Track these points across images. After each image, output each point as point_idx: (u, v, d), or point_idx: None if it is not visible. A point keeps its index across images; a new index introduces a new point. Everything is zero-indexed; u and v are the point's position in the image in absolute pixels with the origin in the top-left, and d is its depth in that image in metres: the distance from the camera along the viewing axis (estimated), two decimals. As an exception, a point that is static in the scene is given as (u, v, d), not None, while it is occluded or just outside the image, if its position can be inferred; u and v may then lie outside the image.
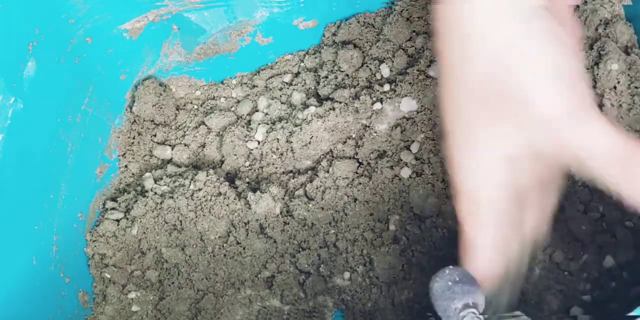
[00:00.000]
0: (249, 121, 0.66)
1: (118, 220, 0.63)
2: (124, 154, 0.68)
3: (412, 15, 0.63)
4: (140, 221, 0.61)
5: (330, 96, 0.63)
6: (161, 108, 0.68)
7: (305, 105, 0.64)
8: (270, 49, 0.69)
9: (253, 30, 0.67)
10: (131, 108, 0.68)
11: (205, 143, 0.66)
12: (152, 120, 0.68)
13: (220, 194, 0.61)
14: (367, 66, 0.63)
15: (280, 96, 0.67)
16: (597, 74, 0.55)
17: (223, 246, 0.60)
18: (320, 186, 0.59)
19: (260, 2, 0.65)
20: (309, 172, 0.61)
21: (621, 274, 0.52)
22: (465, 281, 0.42)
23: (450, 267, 0.43)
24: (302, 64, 0.68)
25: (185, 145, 0.67)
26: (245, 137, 0.64)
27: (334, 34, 0.67)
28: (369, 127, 0.60)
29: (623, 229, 0.53)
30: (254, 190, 0.61)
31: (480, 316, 0.41)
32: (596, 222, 0.53)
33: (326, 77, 0.65)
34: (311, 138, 0.61)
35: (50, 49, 0.57)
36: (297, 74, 0.68)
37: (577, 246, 0.54)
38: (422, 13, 0.63)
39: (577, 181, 0.54)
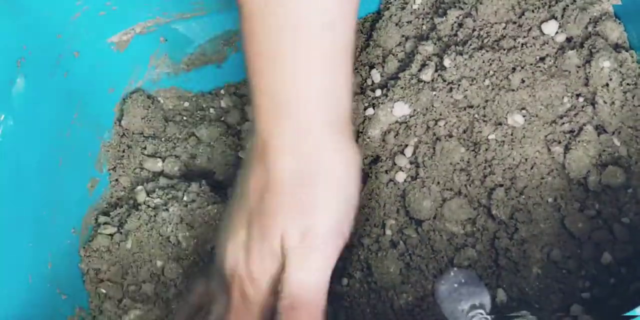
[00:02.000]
0: (239, 131, 0.65)
1: (111, 235, 0.62)
2: (114, 167, 0.67)
3: (401, 20, 0.64)
4: (135, 235, 0.61)
5: (321, 103, 0.63)
6: (150, 120, 0.67)
7: (296, 113, 0.64)
8: (258, 57, 0.69)
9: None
10: (120, 121, 0.67)
11: (196, 154, 0.66)
12: (142, 133, 0.68)
13: (214, 204, 0.60)
14: (357, 72, 0.63)
15: (270, 105, 0.67)
16: (589, 72, 0.55)
17: (219, 257, 0.60)
18: (315, 193, 0.59)
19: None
20: (303, 179, 0.61)
21: (619, 270, 0.53)
22: (471, 283, 0.42)
23: (455, 269, 0.43)
24: (290, 72, 0.68)
25: (176, 156, 0.66)
26: (237, 146, 0.64)
27: (323, 41, 0.67)
28: (361, 133, 0.60)
29: (620, 225, 0.53)
30: (248, 200, 0.60)
31: (488, 316, 0.41)
32: (592, 219, 0.54)
33: (316, 84, 0.65)
34: (304, 145, 0.61)
35: (39, 65, 0.57)
36: (286, 82, 0.68)
37: (574, 244, 0.54)
38: (410, 17, 0.63)
39: (572, 179, 0.54)
